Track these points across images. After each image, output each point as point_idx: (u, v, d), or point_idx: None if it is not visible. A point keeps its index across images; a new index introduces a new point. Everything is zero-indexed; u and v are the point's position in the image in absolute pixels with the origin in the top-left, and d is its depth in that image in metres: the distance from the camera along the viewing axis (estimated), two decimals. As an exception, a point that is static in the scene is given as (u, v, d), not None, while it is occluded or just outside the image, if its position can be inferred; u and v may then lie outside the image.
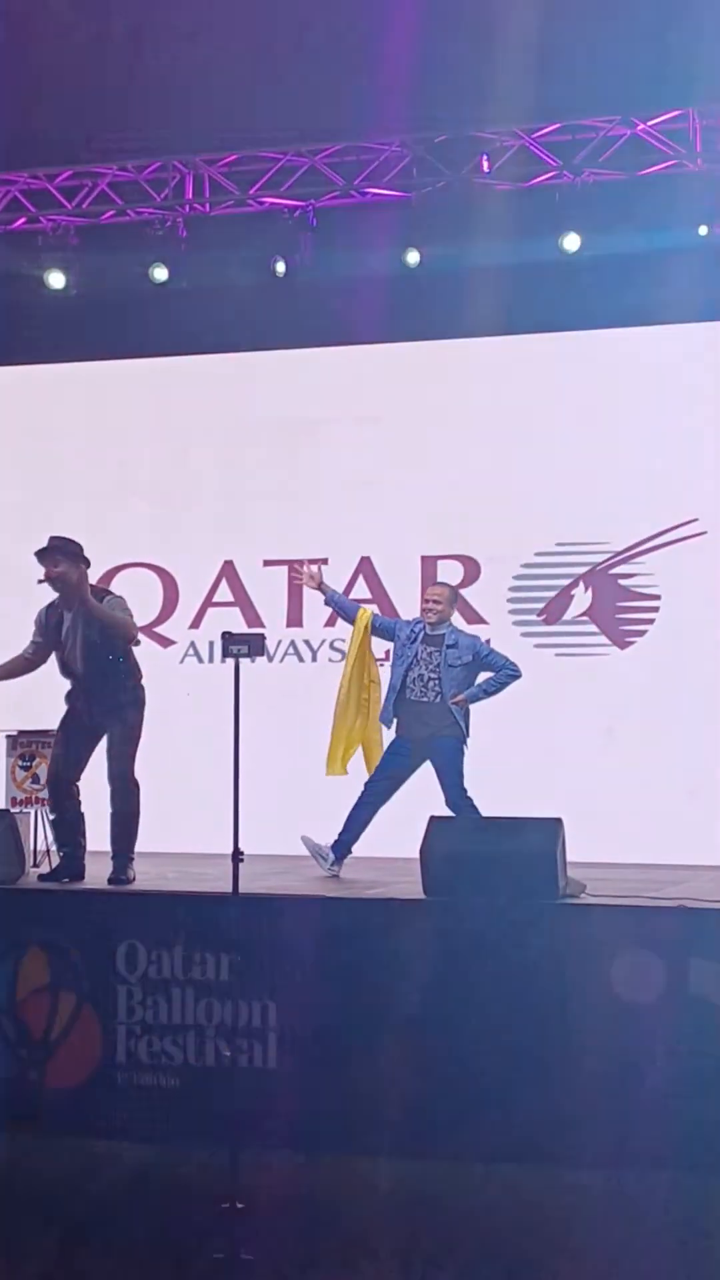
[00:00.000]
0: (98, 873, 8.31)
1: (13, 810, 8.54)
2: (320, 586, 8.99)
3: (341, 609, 9.09)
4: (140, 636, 8.31)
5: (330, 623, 10.19)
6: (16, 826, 8.09)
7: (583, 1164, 6.26)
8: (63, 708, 8.32)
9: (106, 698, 8.02)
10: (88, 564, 8.10)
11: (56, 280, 10.78)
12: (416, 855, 7.07)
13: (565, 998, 6.50)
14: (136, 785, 8.07)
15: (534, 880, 6.80)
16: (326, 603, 9.14)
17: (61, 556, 7.95)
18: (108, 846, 8.11)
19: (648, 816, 9.68)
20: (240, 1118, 6.07)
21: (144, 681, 8.19)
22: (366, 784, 8.65)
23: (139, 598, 9.15)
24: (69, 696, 8.15)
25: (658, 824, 9.63)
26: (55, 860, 8.43)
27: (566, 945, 6.60)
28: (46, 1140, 6.83)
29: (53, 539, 8.06)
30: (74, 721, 8.09)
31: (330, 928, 6.93)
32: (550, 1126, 6.40)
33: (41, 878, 8.13)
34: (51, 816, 8.21)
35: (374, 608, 9.61)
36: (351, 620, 8.94)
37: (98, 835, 8.32)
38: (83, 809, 8.13)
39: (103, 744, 8.09)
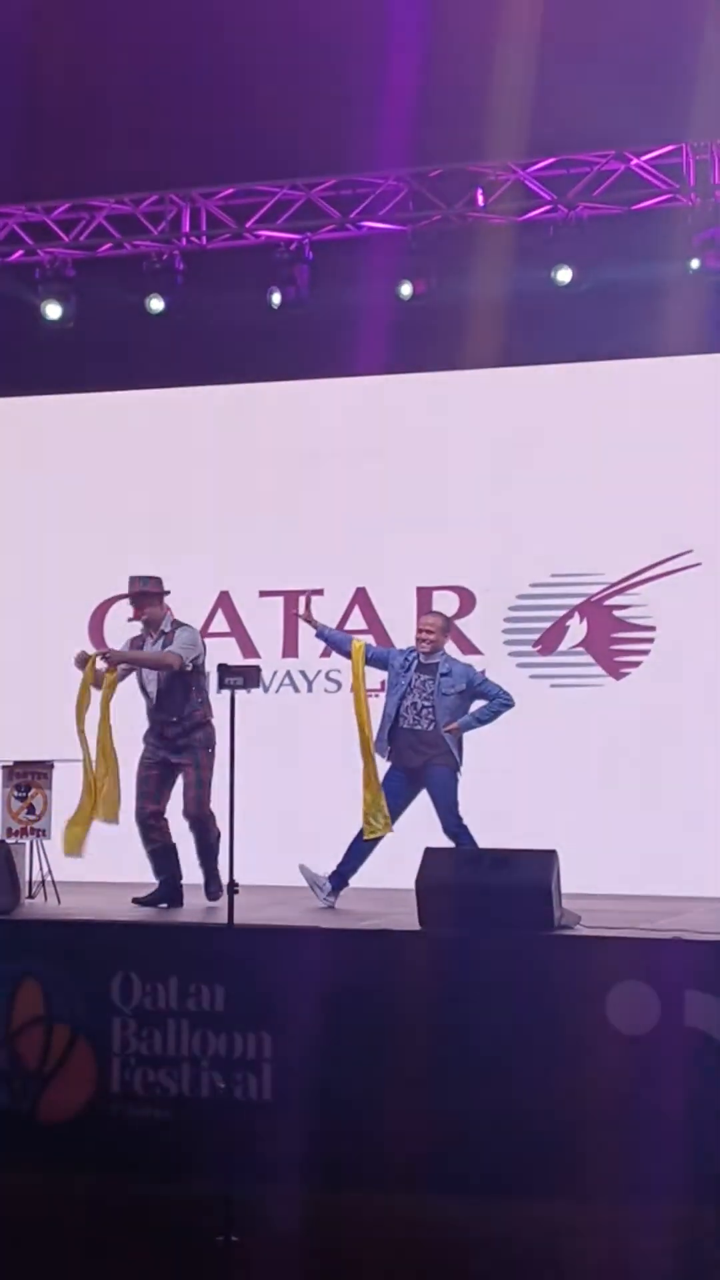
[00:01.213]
0: (90, 904, 8.32)
1: (8, 841, 8.54)
2: (311, 621, 8.94)
3: (334, 643, 9.03)
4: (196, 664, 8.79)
5: (326, 653, 10.19)
6: (11, 857, 8.09)
7: (577, 1196, 6.24)
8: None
9: (174, 720, 8.62)
10: (167, 594, 8.86)
11: (54, 311, 10.81)
12: (412, 886, 7.08)
13: (561, 1030, 6.49)
14: (212, 818, 8.50)
15: (529, 912, 6.80)
16: (318, 636, 9.07)
17: (149, 599, 8.79)
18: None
19: (643, 848, 9.68)
20: (235, 1150, 6.06)
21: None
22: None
23: (135, 628, 9.16)
24: (146, 735, 8.72)
25: (653, 856, 9.63)
26: (50, 891, 8.47)
27: (562, 977, 6.59)
28: (40, 1173, 6.81)
29: (140, 585, 8.81)
30: (148, 756, 8.66)
31: (325, 959, 6.91)
32: (545, 1159, 6.38)
33: (136, 900, 8.45)
34: (148, 849, 8.63)
35: (369, 638, 9.63)
36: (345, 653, 8.90)
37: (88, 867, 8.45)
38: (173, 840, 8.64)
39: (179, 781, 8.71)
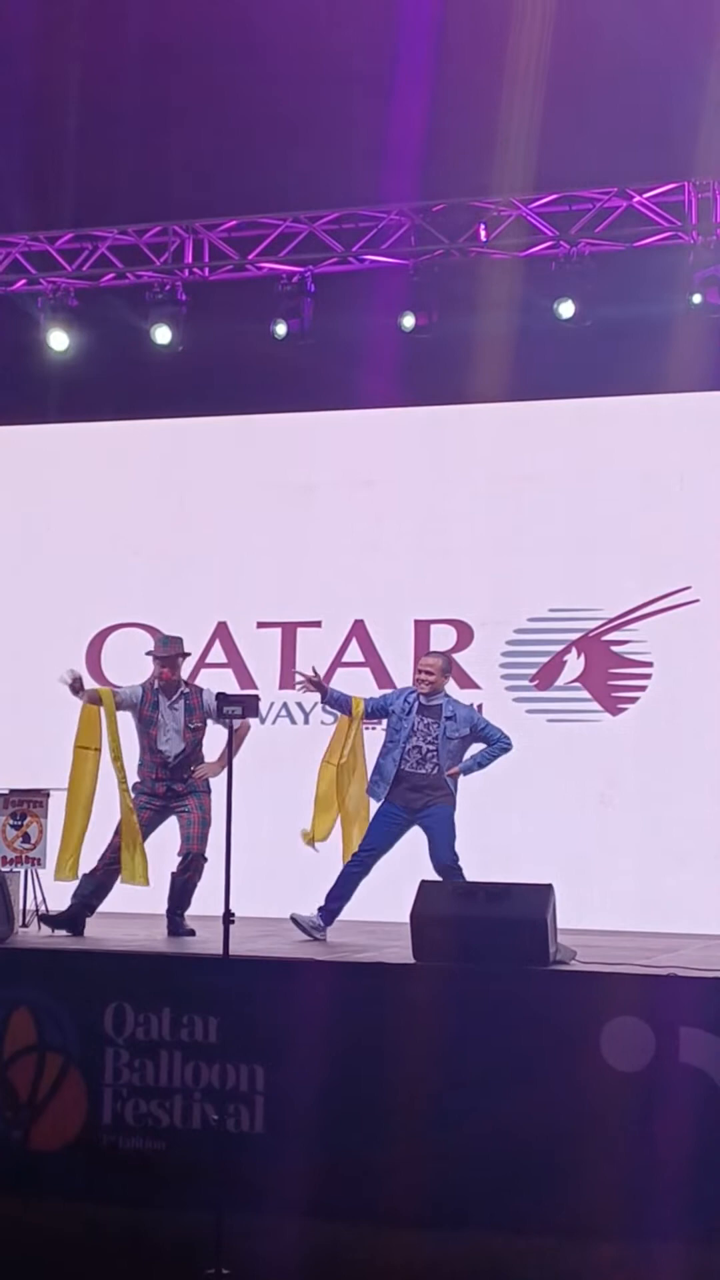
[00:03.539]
0: (90, 933, 8.29)
1: (2, 869, 8.51)
2: (318, 687, 8.74)
3: (339, 707, 8.86)
4: None
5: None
6: (5, 885, 8.06)
7: (571, 1232, 6.21)
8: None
9: (184, 779, 8.62)
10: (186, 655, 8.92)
11: (57, 341, 10.83)
12: (407, 919, 7.05)
13: (555, 1065, 6.46)
14: (205, 860, 8.52)
15: (525, 946, 6.77)
16: (324, 701, 8.89)
17: (180, 658, 8.75)
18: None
19: (640, 884, 9.66)
20: (226, 1182, 6.02)
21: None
22: (356, 852, 8.59)
23: (133, 658, 9.16)
24: (140, 785, 8.62)
25: (649, 891, 9.62)
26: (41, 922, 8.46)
27: (557, 1012, 6.57)
28: (30, 1203, 6.77)
29: (178, 649, 8.75)
30: (143, 806, 8.57)
31: (319, 991, 6.89)
32: (538, 1193, 6.35)
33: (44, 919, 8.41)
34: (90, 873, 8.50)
35: (366, 670, 9.62)
36: (348, 714, 8.79)
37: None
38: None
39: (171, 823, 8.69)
